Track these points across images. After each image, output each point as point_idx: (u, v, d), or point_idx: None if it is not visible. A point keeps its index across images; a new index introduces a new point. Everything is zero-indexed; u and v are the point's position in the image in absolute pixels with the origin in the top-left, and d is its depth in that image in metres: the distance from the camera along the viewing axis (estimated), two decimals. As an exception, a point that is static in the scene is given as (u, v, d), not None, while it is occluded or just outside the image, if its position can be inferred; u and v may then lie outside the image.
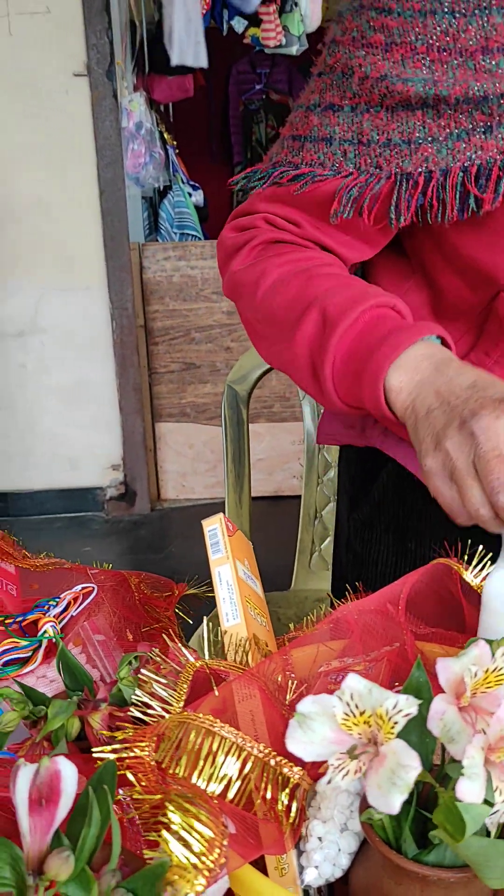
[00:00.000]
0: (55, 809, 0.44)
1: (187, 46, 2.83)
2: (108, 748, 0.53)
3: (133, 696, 0.60)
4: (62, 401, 3.22)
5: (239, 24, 3.05)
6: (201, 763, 0.52)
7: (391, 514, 1.00)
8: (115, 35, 2.85)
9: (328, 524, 1.81)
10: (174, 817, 0.44)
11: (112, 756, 0.53)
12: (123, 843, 0.46)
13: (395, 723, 0.45)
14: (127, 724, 0.60)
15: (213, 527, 0.74)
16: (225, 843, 0.43)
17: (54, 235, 3.03)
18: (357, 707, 0.46)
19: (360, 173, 0.78)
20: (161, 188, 3.75)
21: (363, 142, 0.78)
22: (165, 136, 3.77)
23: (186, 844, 0.43)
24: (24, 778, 0.44)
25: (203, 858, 0.42)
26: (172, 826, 0.44)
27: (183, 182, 3.94)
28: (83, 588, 0.86)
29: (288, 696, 0.65)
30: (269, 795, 0.53)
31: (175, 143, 3.95)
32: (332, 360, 0.75)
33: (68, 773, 0.44)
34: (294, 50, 3.13)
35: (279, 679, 0.67)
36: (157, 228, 3.80)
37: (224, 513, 1.83)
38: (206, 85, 4.49)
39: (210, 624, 1.27)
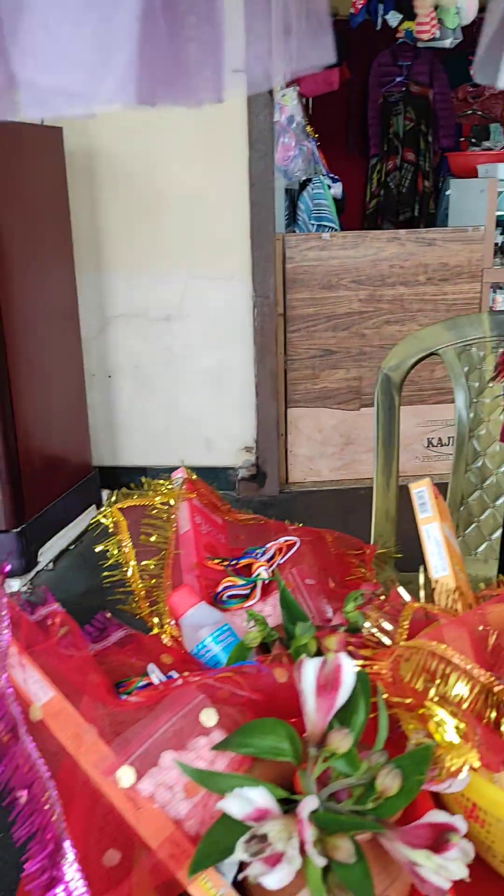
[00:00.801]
0: (336, 695, 0.54)
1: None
2: (355, 662, 0.63)
3: (364, 627, 0.69)
4: (202, 383, 3.37)
5: (394, 19, 3.10)
6: (437, 681, 0.61)
7: None
8: (273, 32, 2.95)
9: (474, 511, 1.87)
10: (439, 711, 0.53)
11: (357, 669, 0.62)
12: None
13: None
14: (358, 648, 0.69)
15: (421, 489, 0.83)
16: (478, 735, 0.52)
17: (205, 225, 3.17)
18: None
19: None
20: (302, 180, 3.84)
21: None
22: (308, 128, 3.87)
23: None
24: (310, 668, 0.54)
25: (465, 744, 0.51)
26: (435, 718, 0.53)
27: (323, 174, 4.02)
28: (286, 541, 0.96)
29: (490, 642, 0.73)
30: (492, 716, 0.62)
31: (316, 135, 4.03)
32: None
33: (348, 667, 0.54)
34: (448, 43, 3.15)
35: (480, 629, 0.75)
36: (296, 219, 3.90)
37: (373, 496, 1.91)
38: (350, 78, 4.54)
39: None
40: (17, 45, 0.37)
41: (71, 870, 0.53)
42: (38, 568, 2.84)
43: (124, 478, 3.45)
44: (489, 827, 0.62)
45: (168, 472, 1.04)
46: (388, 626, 0.70)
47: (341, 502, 3.39)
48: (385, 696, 0.60)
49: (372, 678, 0.63)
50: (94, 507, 3.26)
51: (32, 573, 2.80)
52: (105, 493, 3.35)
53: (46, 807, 0.56)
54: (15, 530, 2.70)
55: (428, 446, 3.57)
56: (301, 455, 3.57)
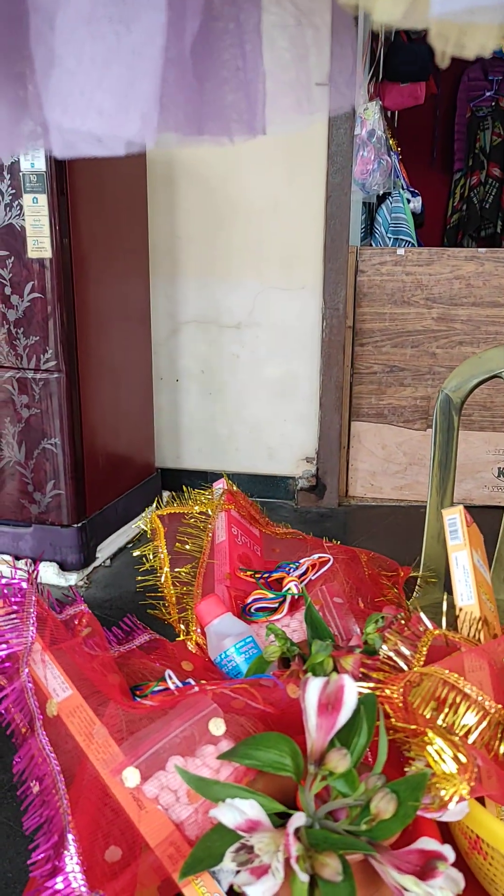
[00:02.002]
0: (337, 715, 0.55)
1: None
2: (366, 684, 0.63)
3: (381, 650, 0.70)
4: (268, 392, 3.40)
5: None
6: (446, 710, 0.61)
7: None
8: (358, 46, 2.96)
9: (528, 538, 1.83)
10: (437, 740, 0.53)
11: (368, 691, 0.63)
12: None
13: None
14: (371, 671, 0.70)
15: (454, 516, 0.83)
16: (477, 766, 0.52)
17: (279, 235, 3.20)
18: None
19: None
20: (381, 193, 3.83)
21: None
22: (391, 142, 3.86)
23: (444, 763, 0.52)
24: (314, 687, 0.55)
25: (460, 775, 0.51)
26: (433, 747, 0.53)
27: (403, 188, 4.00)
28: (320, 557, 0.97)
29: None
30: (502, 750, 0.61)
31: (399, 149, 4.02)
32: None
33: (351, 689, 0.55)
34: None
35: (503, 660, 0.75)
36: (373, 232, 3.90)
37: (426, 516, 1.90)
38: (437, 92, 4.51)
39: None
40: (48, 93, 0.39)
41: (72, 862, 0.55)
42: (96, 564, 2.91)
43: (185, 480, 3.51)
44: (492, 860, 0.62)
45: (231, 477, 1.07)
46: (406, 650, 0.71)
47: (400, 521, 3.36)
48: (392, 719, 0.61)
49: (381, 701, 0.63)
50: (151, 508, 3.32)
51: (90, 568, 2.87)
52: (166, 495, 3.41)
53: (55, 799, 0.58)
54: (76, 525, 2.77)
55: (499, 476, 3.50)
56: (363, 469, 3.55)
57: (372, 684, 0.64)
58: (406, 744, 0.59)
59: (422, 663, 0.70)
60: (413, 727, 0.58)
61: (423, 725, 0.58)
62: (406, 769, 0.56)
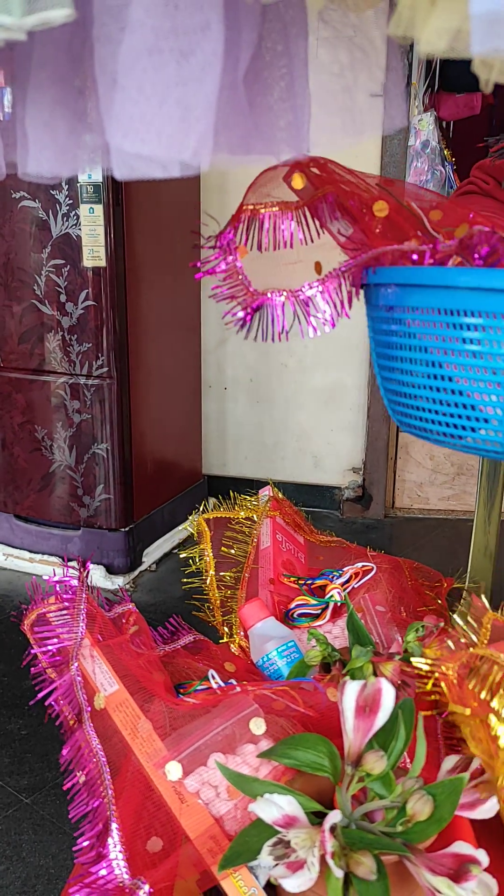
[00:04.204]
0: (374, 718, 0.56)
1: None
2: (424, 660, 0.64)
3: (415, 660, 0.71)
4: (315, 400, 3.41)
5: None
6: (502, 692, 0.62)
7: None
8: (413, 56, 2.97)
9: None
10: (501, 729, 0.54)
11: (426, 667, 0.64)
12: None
13: None
14: (411, 678, 0.71)
15: None
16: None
17: (331, 244, 3.21)
18: None
19: None
20: (434, 204, 3.82)
21: None
22: (445, 152, 3.85)
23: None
24: (352, 690, 0.57)
25: None
26: (494, 731, 0.54)
27: (456, 199, 3.99)
28: (363, 566, 0.99)
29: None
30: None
31: (453, 159, 4.00)
32: None
33: (388, 692, 0.56)
34: None
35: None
36: (425, 243, 3.88)
37: (472, 529, 1.88)
38: (494, 103, 4.48)
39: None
40: (110, 118, 0.42)
41: (115, 850, 0.57)
42: (142, 568, 2.95)
43: (232, 487, 3.53)
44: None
45: (277, 485, 1.09)
46: (452, 646, 0.72)
47: (448, 533, 3.34)
48: (446, 698, 0.62)
49: (439, 679, 0.64)
50: (195, 513, 3.36)
51: (136, 572, 2.91)
52: (212, 502, 3.44)
53: (100, 790, 0.61)
54: (123, 530, 2.82)
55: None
56: (410, 480, 3.54)
57: (430, 661, 0.65)
58: (458, 723, 0.60)
59: (484, 643, 0.71)
60: (468, 711, 0.59)
61: (479, 708, 0.59)
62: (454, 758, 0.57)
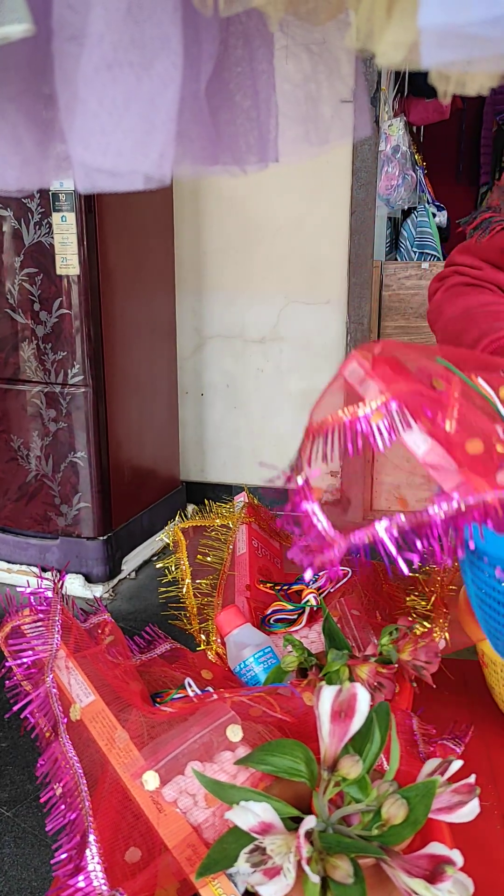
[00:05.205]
0: (350, 723, 0.56)
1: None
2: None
3: (399, 657, 0.72)
4: (292, 405, 3.42)
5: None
6: None
7: None
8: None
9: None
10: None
11: (379, 700, 0.65)
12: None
13: None
14: (387, 680, 0.71)
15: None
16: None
17: (304, 251, 3.23)
18: None
19: None
20: (406, 208, 3.85)
21: None
22: (416, 157, 3.88)
23: None
24: (327, 695, 0.57)
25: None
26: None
27: (428, 202, 4.02)
28: (340, 570, 0.99)
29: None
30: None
31: (424, 163, 4.04)
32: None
33: (363, 697, 0.56)
34: None
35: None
36: (398, 247, 3.91)
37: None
38: (462, 107, 4.53)
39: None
40: (72, 132, 0.42)
41: (93, 861, 0.57)
42: (121, 576, 2.94)
43: (210, 493, 3.53)
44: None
45: (254, 490, 1.09)
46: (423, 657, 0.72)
47: (425, 533, 3.36)
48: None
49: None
50: (175, 520, 3.36)
51: (115, 580, 2.90)
52: (191, 508, 3.44)
53: (77, 801, 0.61)
54: (102, 538, 2.81)
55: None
56: (387, 482, 3.56)
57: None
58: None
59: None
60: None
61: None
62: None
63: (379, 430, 0.55)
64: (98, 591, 2.81)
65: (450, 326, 1.06)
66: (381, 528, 0.56)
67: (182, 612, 0.91)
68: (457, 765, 0.58)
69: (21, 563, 2.90)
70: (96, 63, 0.40)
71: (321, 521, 0.54)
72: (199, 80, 0.45)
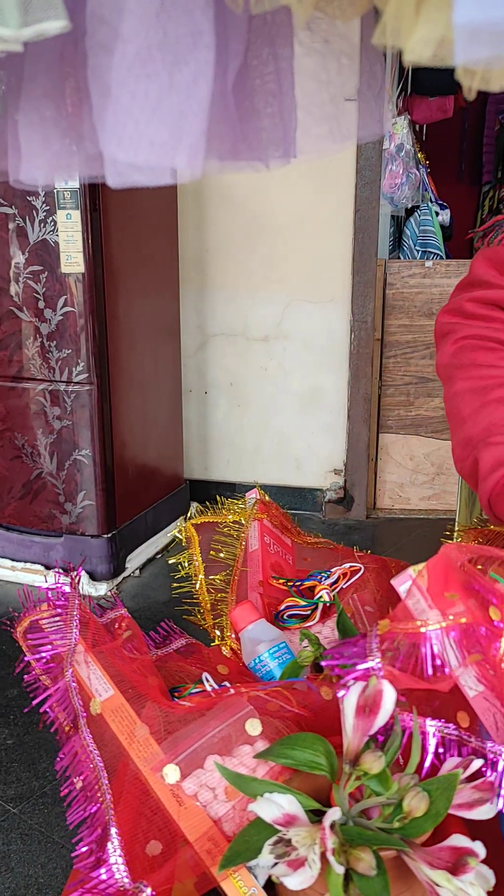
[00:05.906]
0: (374, 718, 0.57)
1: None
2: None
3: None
4: (295, 404, 3.43)
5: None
6: None
7: None
8: (387, 61, 2.99)
9: None
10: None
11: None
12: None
13: None
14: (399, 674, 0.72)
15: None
16: None
17: (308, 249, 3.23)
18: None
19: None
20: (409, 206, 3.85)
21: None
22: (419, 155, 3.88)
23: None
24: (354, 690, 0.58)
25: None
26: None
27: (431, 201, 4.02)
28: (351, 566, 0.99)
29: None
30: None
31: (427, 162, 4.04)
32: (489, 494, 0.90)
33: (389, 694, 0.57)
34: None
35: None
36: (401, 245, 3.92)
37: (455, 527, 1.90)
38: (465, 106, 4.53)
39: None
40: (103, 127, 0.42)
41: (115, 853, 0.58)
42: (126, 574, 2.94)
43: (213, 492, 3.53)
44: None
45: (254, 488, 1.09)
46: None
47: (429, 532, 3.36)
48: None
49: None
50: (182, 518, 3.36)
51: (119, 578, 2.90)
52: (194, 506, 3.44)
53: (98, 795, 0.61)
54: (106, 536, 2.81)
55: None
56: (390, 481, 3.56)
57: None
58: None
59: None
60: None
61: None
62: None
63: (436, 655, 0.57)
64: (102, 588, 2.81)
65: (460, 405, 1.00)
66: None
67: (195, 608, 0.92)
68: (477, 763, 0.59)
69: (25, 561, 2.91)
70: (129, 58, 0.40)
71: None
72: (228, 76, 0.45)
